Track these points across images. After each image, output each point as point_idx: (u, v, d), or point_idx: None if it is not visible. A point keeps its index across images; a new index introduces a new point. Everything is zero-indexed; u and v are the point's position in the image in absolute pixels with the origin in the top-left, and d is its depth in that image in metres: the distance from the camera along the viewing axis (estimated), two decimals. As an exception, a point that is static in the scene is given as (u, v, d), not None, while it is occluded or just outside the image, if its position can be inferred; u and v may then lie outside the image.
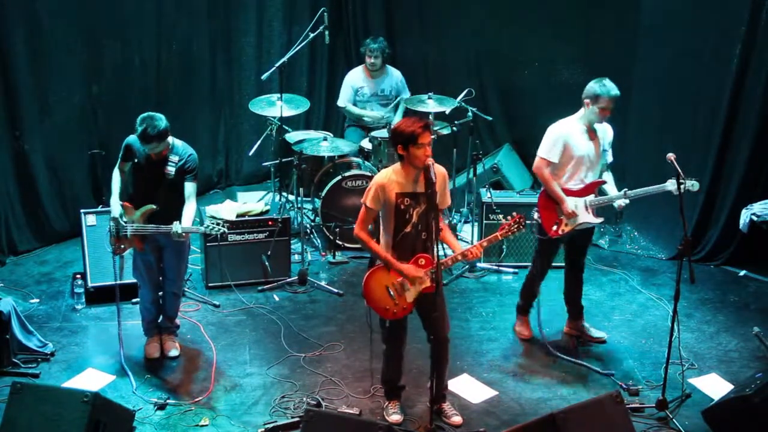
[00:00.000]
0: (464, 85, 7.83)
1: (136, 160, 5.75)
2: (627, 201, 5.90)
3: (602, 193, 6.00)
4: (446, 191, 5.23)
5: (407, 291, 5.14)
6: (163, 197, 5.71)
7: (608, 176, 6.06)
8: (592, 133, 5.89)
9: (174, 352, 6.06)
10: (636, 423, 5.04)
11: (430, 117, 7.49)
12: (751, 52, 6.99)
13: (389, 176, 5.11)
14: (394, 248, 5.15)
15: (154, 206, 5.70)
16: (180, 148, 5.74)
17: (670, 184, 5.63)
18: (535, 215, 6.00)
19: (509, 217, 5.16)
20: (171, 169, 5.68)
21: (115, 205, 5.74)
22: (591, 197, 5.93)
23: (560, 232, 5.92)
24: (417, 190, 5.06)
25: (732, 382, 5.78)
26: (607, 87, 5.73)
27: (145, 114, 5.54)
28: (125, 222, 5.70)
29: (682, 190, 5.37)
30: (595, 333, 6.31)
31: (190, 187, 5.74)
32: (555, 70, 8.59)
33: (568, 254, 6.22)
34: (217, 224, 5.60)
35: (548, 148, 5.86)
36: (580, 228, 5.95)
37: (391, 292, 5.14)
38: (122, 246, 5.80)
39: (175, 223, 5.55)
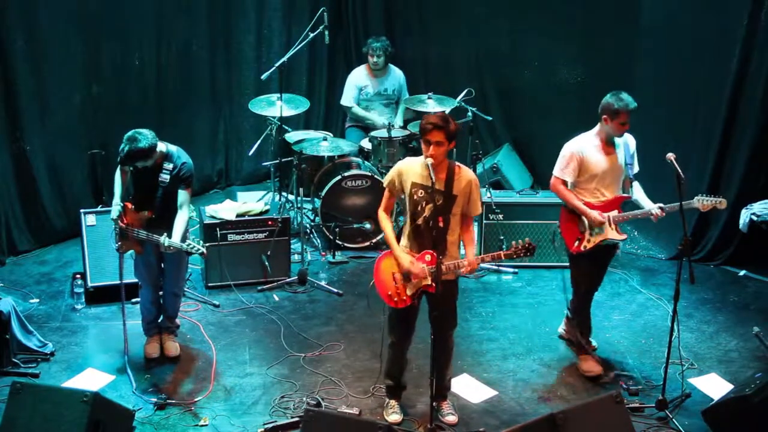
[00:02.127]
0: (464, 85, 7.82)
1: (132, 168, 5.74)
2: (663, 214, 5.61)
3: (635, 206, 5.74)
4: (472, 198, 5.12)
5: (408, 283, 5.13)
6: (159, 204, 5.72)
7: (637, 187, 5.78)
8: (609, 148, 5.66)
9: (174, 352, 6.06)
10: (636, 423, 5.03)
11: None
12: (751, 52, 6.98)
13: (411, 164, 5.14)
14: (409, 237, 5.20)
15: (152, 213, 5.71)
16: (175, 156, 5.72)
17: (696, 201, 5.56)
18: (558, 231, 5.90)
19: (520, 241, 5.09)
20: (165, 177, 5.68)
21: (114, 207, 5.74)
22: (614, 213, 5.65)
23: (582, 248, 5.65)
24: (435, 185, 5.03)
25: (732, 382, 5.77)
26: (625, 101, 5.51)
27: (130, 132, 5.50)
28: (123, 225, 5.71)
29: (681, 190, 5.35)
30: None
31: (182, 196, 5.73)
32: (555, 70, 8.58)
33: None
34: (198, 243, 5.58)
35: (562, 167, 5.67)
36: (602, 245, 5.66)
37: (395, 280, 5.16)
38: (122, 246, 5.81)
39: (164, 235, 5.55)
